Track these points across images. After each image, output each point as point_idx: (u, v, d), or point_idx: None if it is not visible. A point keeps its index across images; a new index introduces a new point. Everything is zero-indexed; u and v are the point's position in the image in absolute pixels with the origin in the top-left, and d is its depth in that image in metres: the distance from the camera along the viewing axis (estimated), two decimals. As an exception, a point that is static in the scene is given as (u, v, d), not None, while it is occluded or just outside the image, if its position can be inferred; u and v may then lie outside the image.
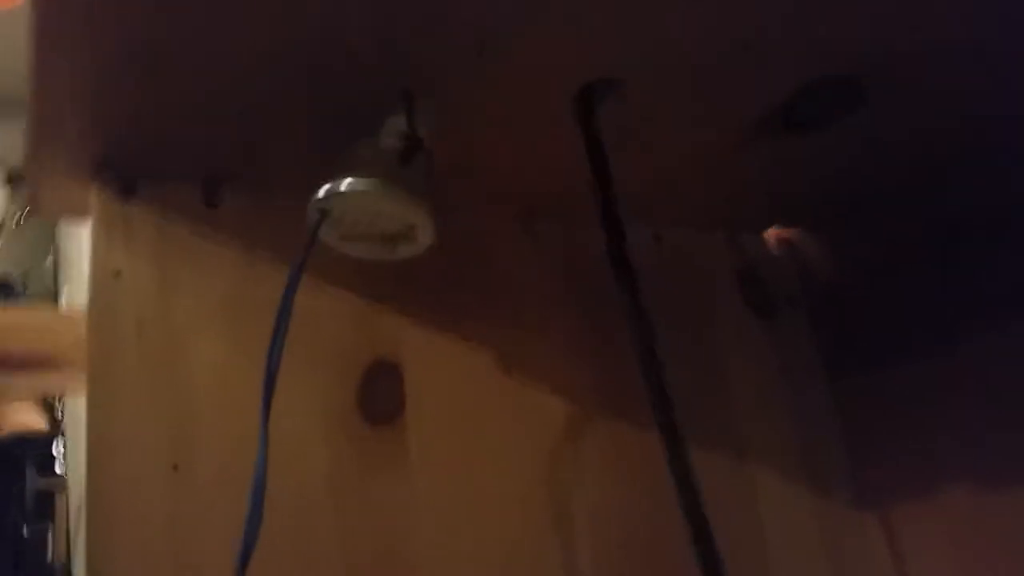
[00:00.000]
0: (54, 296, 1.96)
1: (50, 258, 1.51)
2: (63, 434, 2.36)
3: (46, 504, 2.31)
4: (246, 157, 0.55)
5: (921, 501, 0.65)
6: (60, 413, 2.36)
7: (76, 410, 1.37)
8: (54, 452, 2.36)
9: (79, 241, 1.44)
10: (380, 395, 0.56)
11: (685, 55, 0.50)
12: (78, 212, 0.57)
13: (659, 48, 0.49)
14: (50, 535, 2.35)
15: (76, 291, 1.44)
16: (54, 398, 2.33)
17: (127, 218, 0.53)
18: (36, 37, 0.42)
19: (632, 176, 0.61)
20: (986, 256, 0.64)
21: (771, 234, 0.76)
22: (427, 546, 0.54)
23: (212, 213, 0.55)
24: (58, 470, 2.35)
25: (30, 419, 2.38)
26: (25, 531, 2.30)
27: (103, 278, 0.51)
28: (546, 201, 0.65)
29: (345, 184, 0.46)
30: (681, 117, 0.56)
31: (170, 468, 0.49)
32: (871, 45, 0.51)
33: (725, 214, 0.72)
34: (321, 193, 0.46)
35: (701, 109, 0.56)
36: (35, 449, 2.32)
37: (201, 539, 0.48)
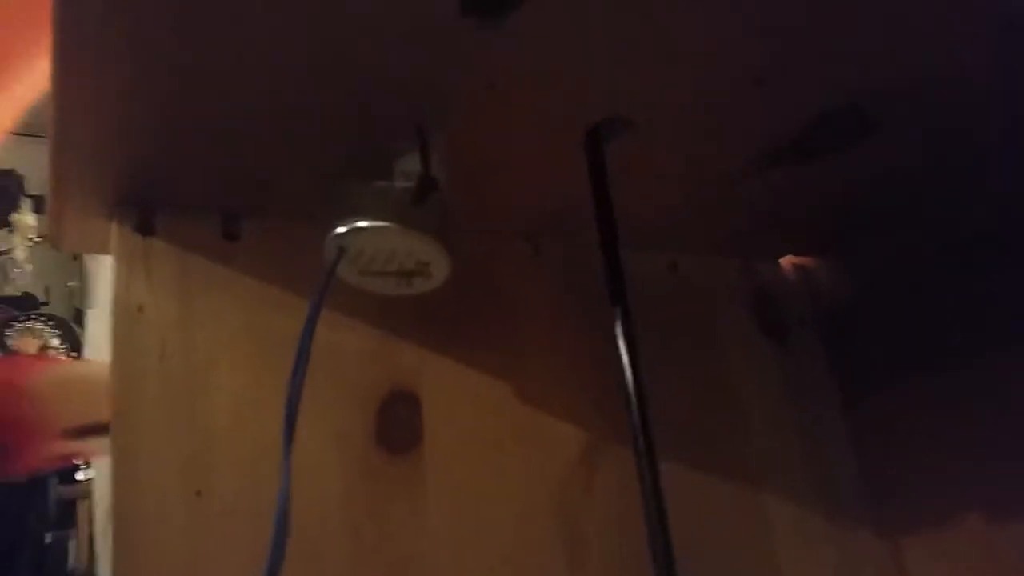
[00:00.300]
0: (76, 317, 1.99)
1: (76, 282, 1.54)
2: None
3: (68, 511, 2.34)
4: (263, 191, 0.56)
5: (934, 528, 0.66)
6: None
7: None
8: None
9: (105, 265, 1.47)
10: (398, 425, 0.57)
11: (696, 92, 0.51)
12: (98, 247, 0.58)
13: (669, 88, 0.50)
14: (71, 542, 2.38)
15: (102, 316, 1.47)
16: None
17: (147, 253, 0.54)
18: (57, 72, 0.43)
19: (645, 205, 0.63)
20: (997, 277, 0.64)
21: (786, 261, 0.77)
22: (440, 573, 0.55)
23: (231, 246, 0.56)
24: (80, 477, 2.39)
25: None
26: (48, 538, 2.34)
27: (125, 313, 0.52)
28: (554, 223, 0.66)
29: (363, 222, 0.47)
30: (693, 150, 0.57)
31: (193, 494, 0.50)
32: (877, 77, 0.51)
33: (738, 241, 0.73)
34: (340, 229, 0.47)
35: (713, 142, 0.57)
36: (57, 458, 2.35)
37: (222, 562, 0.50)
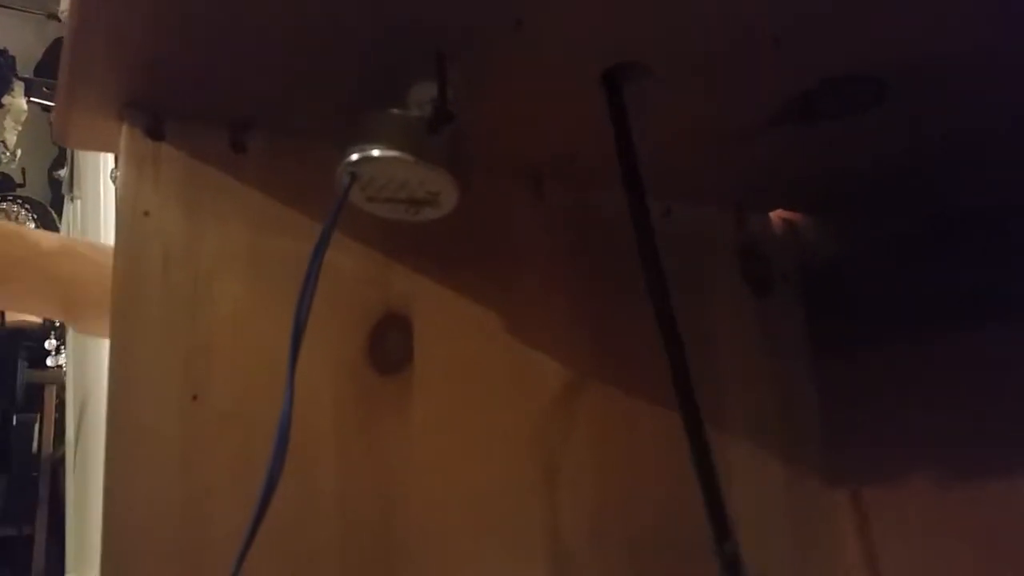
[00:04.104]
0: (51, 202, 1.96)
1: (64, 170, 1.52)
2: (56, 329, 2.39)
3: (36, 395, 2.36)
4: (273, 105, 0.56)
5: (892, 485, 0.69)
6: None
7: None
8: (47, 346, 2.40)
9: (93, 158, 1.44)
10: (390, 346, 0.58)
11: (714, 46, 0.51)
12: (104, 146, 0.58)
13: (687, 37, 0.50)
14: (37, 426, 2.40)
15: (89, 210, 1.45)
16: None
17: (156, 159, 0.54)
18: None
19: (649, 151, 0.63)
20: (976, 256, 0.67)
21: (776, 214, 0.78)
22: (421, 488, 0.58)
23: (238, 158, 0.57)
24: (49, 363, 2.39)
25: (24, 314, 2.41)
26: (14, 420, 2.35)
27: (131, 216, 0.53)
28: (560, 164, 0.67)
29: (376, 151, 0.47)
30: (702, 102, 0.58)
31: (190, 398, 0.52)
32: (896, 48, 0.52)
33: (735, 192, 0.74)
34: (353, 157, 0.48)
35: (723, 96, 0.57)
36: (28, 342, 2.35)
37: (214, 465, 0.51)
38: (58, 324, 2.45)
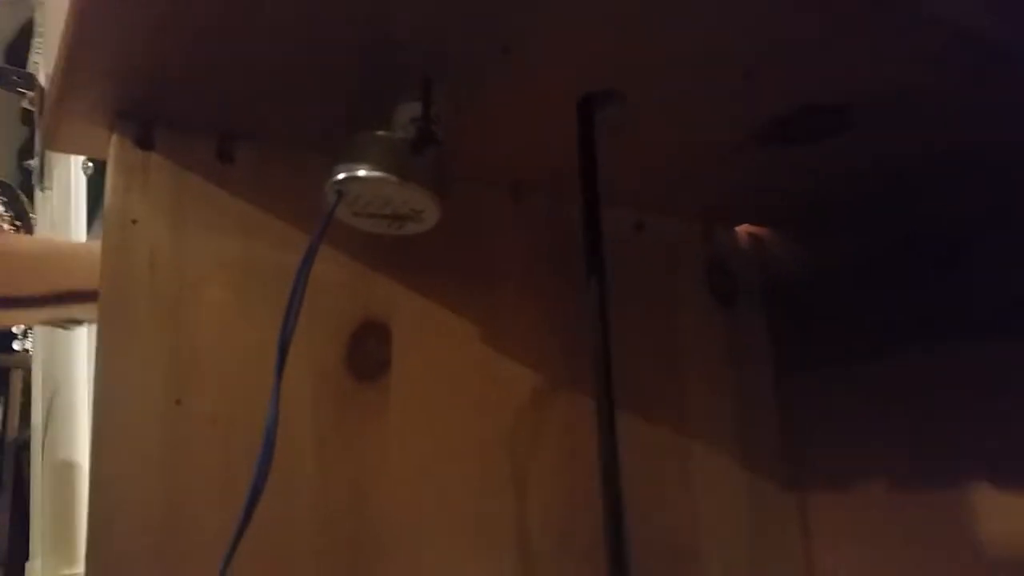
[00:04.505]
0: (20, 185, 1.95)
1: (36, 160, 1.50)
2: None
3: (1, 380, 2.34)
4: (260, 117, 0.58)
5: (839, 490, 0.73)
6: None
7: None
8: (13, 330, 2.38)
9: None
10: (368, 353, 0.60)
11: (686, 77, 0.54)
12: (93, 152, 0.59)
13: (660, 70, 0.53)
14: (2, 410, 2.38)
15: (60, 202, 1.43)
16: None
17: (145, 168, 0.55)
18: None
19: (623, 169, 0.66)
20: (936, 277, 0.70)
21: (743, 229, 0.81)
22: (395, 489, 0.60)
23: (225, 168, 0.58)
24: (16, 347, 2.37)
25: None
26: (-23, 403, 2.33)
27: (119, 223, 0.54)
28: (538, 177, 0.69)
29: (363, 171, 0.49)
30: (674, 128, 0.60)
31: (173, 402, 0.53)
32: (861, 80, 0.55)
33: (704, 208, 0.77)
34: (340, 176, 0.49)
35: (695, 122, 0.60)
36: (-8, 325, 2.33)
37: (196, 466, 0.53)
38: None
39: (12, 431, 2.28)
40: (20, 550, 2.20)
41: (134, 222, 0.54)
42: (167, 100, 0.55)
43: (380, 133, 0.51)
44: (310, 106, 0.56)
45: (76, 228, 1.54)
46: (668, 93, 0.56)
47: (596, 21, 0.47)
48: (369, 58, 0.51)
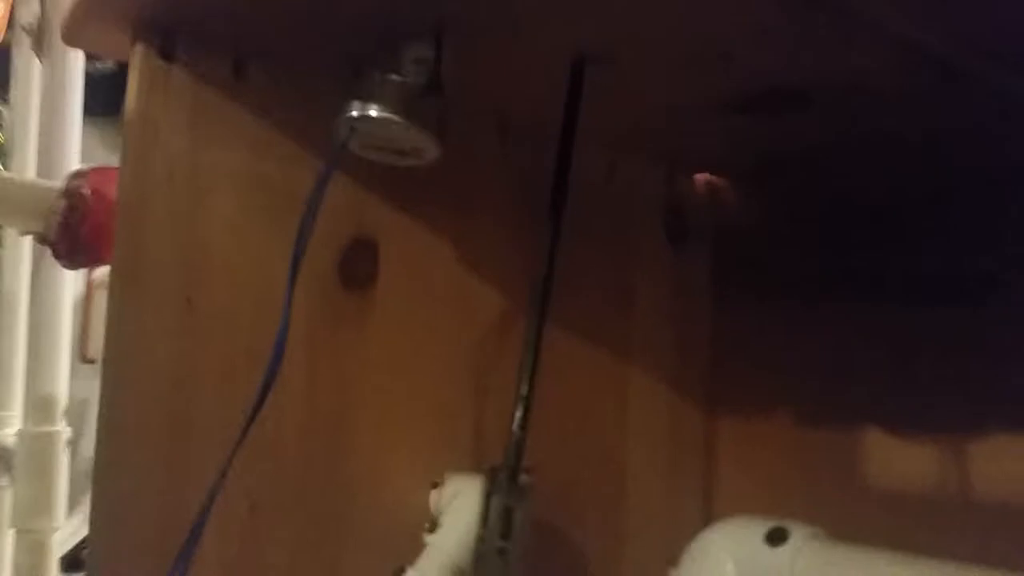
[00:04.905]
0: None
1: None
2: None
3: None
4: (273, 41, 0.62)
5: (749, 425, 0.83)
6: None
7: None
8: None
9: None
10: (357, 266, 0.67)
11: (670, 51, 0.60)
12: (111, 54, 0.63)
13: (650, 42, 0.58)
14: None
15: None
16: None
17: (166, 78, 0.60)
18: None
19: (602, 119, 0.72)
20: (858, 243, 0.79)
21: (700, 177, 0.89)
22: (374, 380, 0.68)
23: (239, 85, 0.62)
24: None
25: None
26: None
27: (141, 130, 0.58)
28: (523, 123, 0.75)
29: (374, 111, 0.55)
30: (652, 92, 0.66)
31: (184, 300, 0.59)
32: (821, 70, 0.61)
33: (670, 155, 0.84)
34: (353, 112, 0.55)
35: (671, 89, 0.66)
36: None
37: (205, 361, 0.60)
38: None
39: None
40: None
41: (155, 131, 0.59)
42: (187, 15, 0.59)
43: (392, 77, 0.56)
44: (321, 36, 0.61)
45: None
46: (652, 62, 0.61)
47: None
48: (384, 5, 0.56)
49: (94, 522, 0.57)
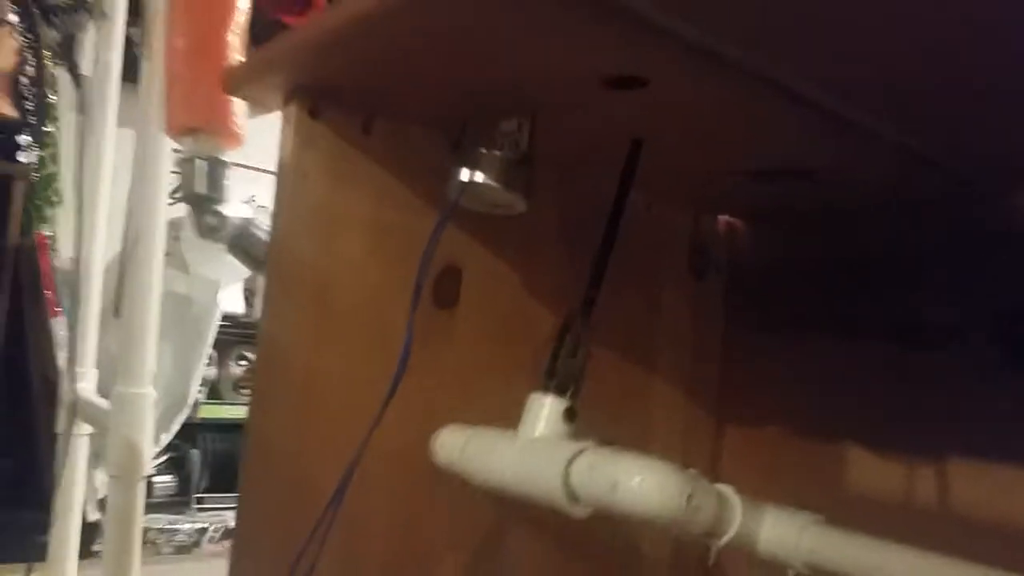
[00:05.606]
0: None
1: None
2: (31, 125, 2.48)
3: (3, 188, 2.47)
4: (394, 103, 0.77)
5: (752, 431, 1.00)
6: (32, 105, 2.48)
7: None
8: (19, 140, 2.50)
9: None
10: (447, 289, 0.83)
11: (708, 141, 0.75)
12: (264, 108, 0.78)
13: (694, 131, 0.74)
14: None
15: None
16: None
17: (312, 133, 0.75)
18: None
19: (647, 174, 0.88)
20: (854, 288, 0.95)
21: (722, 219, 1.05)
22: (456, 392, 0.84)
23: (366, 139, 0.78)
24: (21, 159, 2.50)
25: (2, 106, 2.48)
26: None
27: (293, 175, 0.74)
28: (579, 170, 0.90)
29: (479, 177, 0.71)
30: (687, 162, 0.82)
31: (320, 307, 0.76)
32: (823, 156, 0.77)
33: (697, 201, 1.00)
34: (464, 177, 0.71)
35: (704, 163, 0.82)
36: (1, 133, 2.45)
37: (336, 355, 0.76)
38: (34, 121, 2.54)
39: (13, 238, 2.44)
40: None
41: (305, 175, 0.74)
42: (328, 84, 0.74)
43: (496, 152, 0.72)
44: (436, 106, 0.76)
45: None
46: (692, 145, 0.77)
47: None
48: (488, 92, 0.71)
49: (242, 482, 0.73)
